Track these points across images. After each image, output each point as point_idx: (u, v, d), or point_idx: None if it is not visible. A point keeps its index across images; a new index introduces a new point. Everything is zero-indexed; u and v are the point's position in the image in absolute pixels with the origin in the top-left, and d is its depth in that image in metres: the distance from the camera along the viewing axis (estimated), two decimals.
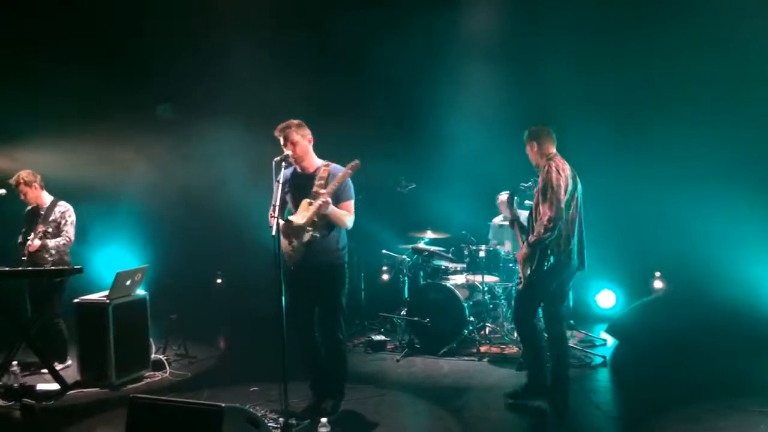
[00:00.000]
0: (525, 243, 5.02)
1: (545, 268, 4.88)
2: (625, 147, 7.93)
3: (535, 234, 4.87)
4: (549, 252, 4.85)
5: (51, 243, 6.31)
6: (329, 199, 4.53)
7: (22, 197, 6.48)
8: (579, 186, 5.05)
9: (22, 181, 6.44)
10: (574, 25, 7.87)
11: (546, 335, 5.26)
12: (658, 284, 8.29)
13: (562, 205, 4.79)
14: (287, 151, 4.66)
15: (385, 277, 8.64)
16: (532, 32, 8.00)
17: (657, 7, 7.69)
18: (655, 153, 7.73)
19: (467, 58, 8.19)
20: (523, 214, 7.10)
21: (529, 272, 4.96)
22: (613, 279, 8.31)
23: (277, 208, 4.44)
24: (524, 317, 5.20)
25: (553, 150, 5.08)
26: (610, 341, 7.09)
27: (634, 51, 7.75)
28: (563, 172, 4.88)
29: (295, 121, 4.75)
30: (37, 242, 6.21)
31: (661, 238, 7.95)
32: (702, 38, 7.33)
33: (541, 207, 4.85)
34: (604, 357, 6.38)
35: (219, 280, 10.04)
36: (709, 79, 7.42)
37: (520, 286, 5.10)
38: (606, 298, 8.38)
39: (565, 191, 4.84)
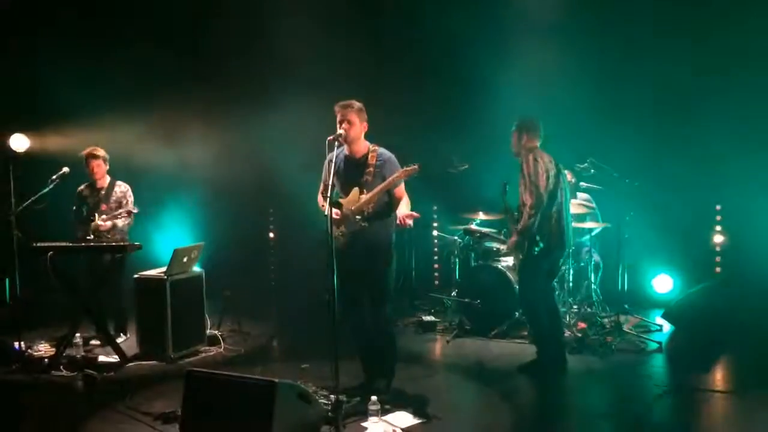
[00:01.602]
0: (514, 231, 5.40)
1: (535, 252, 5.29)
2: (681, 127, 7.68)
3: (522, 222, 5.26)
4: (538, 238, 5.25)
5: (120, 223, 6.49)
6: (374, 196, 4.62)
7: (92, 172, 6.58)
8: (562, 172, 5.45)
9: (101, 156, 6.60)
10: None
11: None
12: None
13: (542, 191, 5.17)
14: (341, 131, 4.67)
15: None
16: (595, 7, 7.77)
17: None
18: (711, 132, 7.46)
19: (522, 34, 8.00)
20: (581, 196, 7.00)
21: (520, 257, 5.41)
22: (671, 263, 8.10)
23: (329, 187, 4.46)
24: (527, 299, 5.60)
25: (536, 144, 5.42)
26: (666, 327, 6.93)
27: (705, 29, 7.47)
28: (541, 160, 5.25)
29: (358, 103, 4.75)
30: (109, 222, 6.40)
31: (719, 222, 7.71)
32: None
33: (523, 196, 5.26)
34: (659, 343, 6.24)
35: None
36: None
37: (516, 270, 5.68)
38: (663, 283, 8.17)
39: (547, 178, 5.22)
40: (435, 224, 8.01)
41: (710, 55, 7.26)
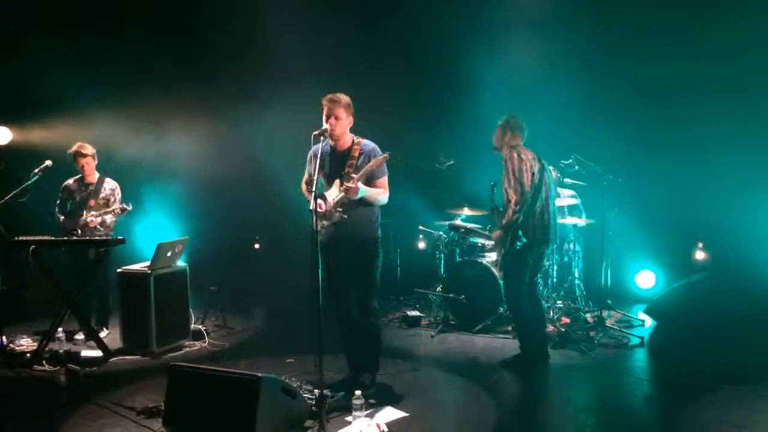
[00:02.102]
0: (499, 226, 5.40)
1: (518, 247, 5.29)
2: (663, 123, 7.74)
3: (506, 218, 5.28)
4: (520, 233, 5.27)
5: (108, 219, 6.47)
6: (357, 185, 4.56)
7: (82, 169, 6.61)
8: (546, 168, 5.51)
9: (90, 153, 6.59)
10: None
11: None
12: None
13: (527, 188, 5.19)
14: (327, 126, 4.66)
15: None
16: (580, 5, 7.80)
17: None
18: (695, 128, 7.53)
19: (507, 31, 8.03)
20: (565, 192, 7.04)
21: (503, 253, 5.42)
22: (653, 259, 8.17)
23: (314, 181, 4.46)
24: (511, 293, 5.63)
25: (519, 142, 5.46)
26: (649, 322, 7.00)
27: (686, 24, 7.52)
28: (524, 156, 5.27)
29: (346, 98, 4.75)
30: (99, 219, 6.39)
31: (702, 219, 7.79)
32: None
33: (508, 192, 5.29)
34: (641, 338, 6.30)
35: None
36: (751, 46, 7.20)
37: (499, 267, 5.70)
38: (645, 279, 8.25)
39: (532, 174, 5.24)
40: (420, 219, 8.00)
41: (698, 52, 7.30)
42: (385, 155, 4.64)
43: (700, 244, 8.07)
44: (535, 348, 5.55)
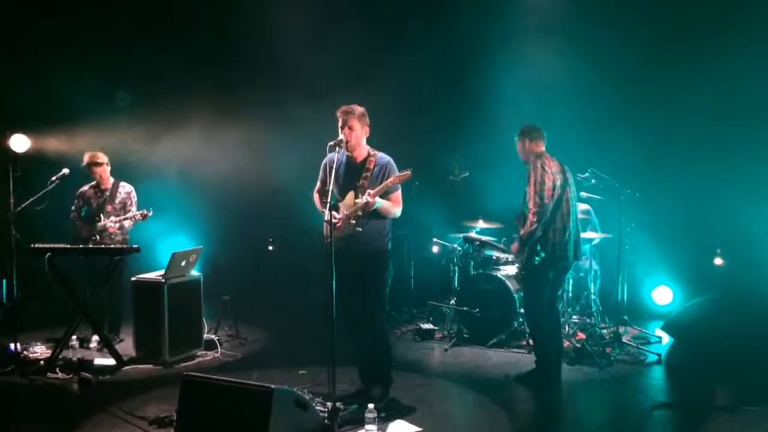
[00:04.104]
0: (517, 238, 5.36)
1: (536, 261, 5.21)
2: (681, 138, 7.67)
3: (524, 229, 5.20)
4: (539, 247, 5.17)
5: (127, 224, 6.50)
6: (374, 200, 4.54)
7: (99, 178, 6.67)
8: (571, 180, 5.42)
9: (104, 162, 6.64)
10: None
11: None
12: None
13: (547, 201, 5.11)
14: (342, 136, 4.66)
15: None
16: (594, 10, 7.77)
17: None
18: (712, 144, 7.45)
19: (523, 43, 8.01)
20: (581, 207, 6.97)
21: (521, 265, 5.38)
22: (670, 275, 8.07)
23: (328, 192, 4.45)
24: (530, 308, 5.58)
25: (542, 149, 5.38)
26: (666, 339, 6.90)
27: (704, 40, 7.47)
28: (549, 169, 5.19)
29: (360, 109, 4.76)
30: (117, 224, 6.44)
31: (721, 235, 7.70)
32: None
33: (529, 203, 5.19)
34: (659, 355, 6.21)
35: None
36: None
37: (520, 279, 5.60)
38: (662, 295, 8.14)
39: (553, 187, 5.16)
40: (435, 232, 7.97)
41: (716, 64, 7.24)
42: (407, 173, 4.59)
43: (719, 251, 7.92)
44: (550, 364, 5.46)
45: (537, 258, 5.19)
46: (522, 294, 5.76)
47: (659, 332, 7.06)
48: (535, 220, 5.12)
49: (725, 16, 7.36)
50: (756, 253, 7.14)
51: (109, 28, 8.40)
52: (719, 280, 7.79)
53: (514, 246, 5.40)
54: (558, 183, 5.21)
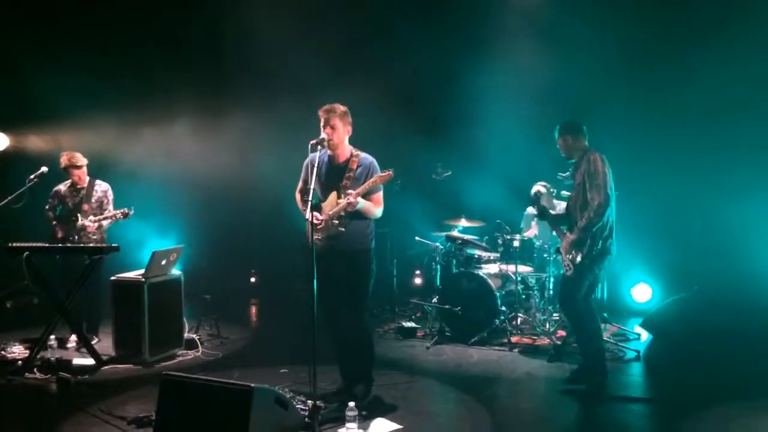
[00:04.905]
0: (575, 228, 5.21)
1: (594, 253, 5.13)
2: (660, 137, 7.75)
3: (585, 220, 5.11)
4: (597, 239, 5.12)
5: (105, 223, 6.43)
6: (356, 200, 4.55)
7: (78, 180, 6.58)
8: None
9: (83, 164, 6.54)
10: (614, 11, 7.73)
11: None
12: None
13: (609, 192, 5.07)
14: (324, 135, 4.65)
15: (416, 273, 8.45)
16: (579, 11, 7.82)
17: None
18: (691, 142, 7.54)
19: (505, 44, 8.05)
20: (561, 205, 7.02)
21: (579, 258, 5.16)
22: (650, 272, 8.15)
23: (310, 191, 4.45)
24: (576, 301, 5.32)
25: (585, 143, 5.36)
26: (645, 336, 6.97)
27: (682, 45, 7.55)
28: (605, 162, 5.17)
29: (342, 108, 4.75)
30: (96, 223, 6.36)
31: (699, 232, 7.78)
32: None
33: (589, 194, 5.11)
34: (637, 351, 6.27)
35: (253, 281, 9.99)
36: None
37: (569, 272, 5.24)
38: (642, 292, 8.22)
39: (611, 180, 5.13)
40: (417, 230, 7.99)
41: (698, 64, 7.32)
42: (389, 173, 4.60)
43: None
44: (599, 362, 5.31)
45: (595, 249, 5.11)
46: (565, 289, 5.41)
47: (638, 329, 7.14)
48: (600, 211, 5.04)
49: (710, 16, 7.44)
50: (734, 251, 7.22)
51: (91, 26, 8.33)
52: (698, 277, 7.89)
53: (569, 239, 5.24)
54: (611, 178, 5.18)
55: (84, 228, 6.39)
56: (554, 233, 5.82)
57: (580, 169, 5.27)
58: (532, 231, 7.60)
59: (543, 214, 5.69)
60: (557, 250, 5.50)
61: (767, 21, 7.05)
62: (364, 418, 4.50)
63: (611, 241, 5.23)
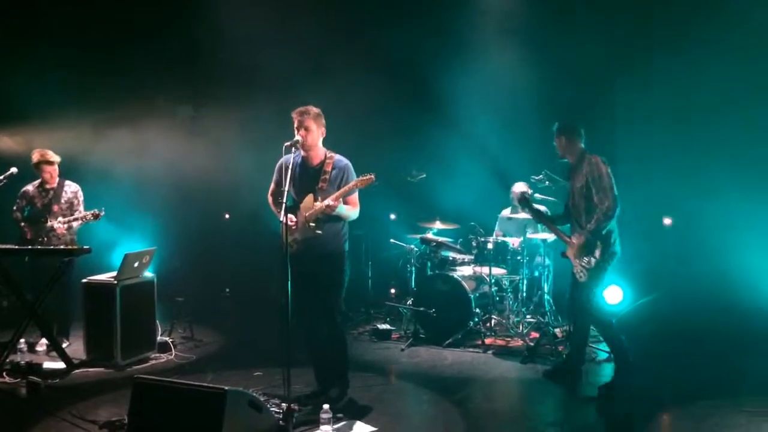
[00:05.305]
0: (583, 232, 5.20)
1: (607, 255, 5.15)
2: (628, 139, 7.85)
3: (594, 223, 5.11)
4: (607, 240, 5.14)
5: (75, 224, 6.34)
6: (336, 204, 4.55)
7: (50, 177, 6.47)
8: None
9: (56, 161, 6.45)
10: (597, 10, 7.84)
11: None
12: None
13: (616, 193, 5.08)
14: (298, 137, 4.65)
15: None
16: (553, 15, 7.90)
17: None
18: (659, 145, 7.66)
19: (480, 47, 8.11)
20: (541, 208, 7.08)
21: (594, 261, 5.16)
22: (621, 275, 8.23)
23: (284, 193, 4.44)
24: (593, 306, 5.34)
25: (582, 145, 5.36)
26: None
27: (665, 47, 7.66)
28: (606, 163, 5.17)
29: (315, 110, 4.74)
30: (66, 225, 6.27)
31: (670, 234, 7.89)
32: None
33: (596, 197, 5.11)
34: (609, 352, 6.34)
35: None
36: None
37: (583, 278, 5.23)
38: (613, 294, 8.29)
39: (615, 183, 5.12)
40: (392, 232, 8.00)
41: (663, 64, 7.43)
42: (371, 177, 4.59)
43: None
44: (627, 358, 5.32)
45: (609, 251, 5.13)
46: (585, 292, 5.33)
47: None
48: (610, 214, 5.06)
49: (682, 20, 7.55)
50: (704, 252, 7.33)
51: (67, 25, 8.22)
52: (668, 278, 8.02)
53: (579, 241, 5.25)
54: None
55: (53, 229, 6.29)
56: (554, 235, 5.89)
57: (581, 172, 5.26)
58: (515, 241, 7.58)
59: (538, 216, 5.70)
60: (563, 255, 5.51)
61: (738, 22, 7.18)
62: (339, 420, 4.50)
63: (618, 241, 5.26)
